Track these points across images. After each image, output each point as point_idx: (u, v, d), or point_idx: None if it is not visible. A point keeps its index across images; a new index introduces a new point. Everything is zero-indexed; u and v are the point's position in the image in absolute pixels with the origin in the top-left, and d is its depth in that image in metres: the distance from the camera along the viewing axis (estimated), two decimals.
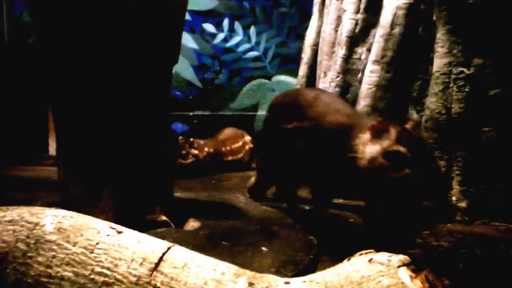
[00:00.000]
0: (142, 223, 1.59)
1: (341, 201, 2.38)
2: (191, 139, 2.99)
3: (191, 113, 3.89)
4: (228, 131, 3.34)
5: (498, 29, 2.02)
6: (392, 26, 2.36)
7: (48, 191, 2.34)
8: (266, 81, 4.05)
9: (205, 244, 1.49)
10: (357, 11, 2.54)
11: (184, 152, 2.93)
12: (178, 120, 3.83)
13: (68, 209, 0.82)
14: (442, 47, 2.13)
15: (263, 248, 1.51)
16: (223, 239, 1.55)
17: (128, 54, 1.54)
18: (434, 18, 2.22)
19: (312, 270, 1.44)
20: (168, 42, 1.67)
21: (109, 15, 1.47)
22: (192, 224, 1.69)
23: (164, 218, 1.59)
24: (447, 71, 2.10)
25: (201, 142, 3.07)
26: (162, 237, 1.55)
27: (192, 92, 3.94)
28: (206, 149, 3.04)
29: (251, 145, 3.30)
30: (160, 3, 1.55)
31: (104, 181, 1.55)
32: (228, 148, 3.19)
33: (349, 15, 2.55)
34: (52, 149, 3.23)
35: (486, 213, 2.02)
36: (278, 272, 1.31)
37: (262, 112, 4.00)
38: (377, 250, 0.88)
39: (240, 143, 3.26)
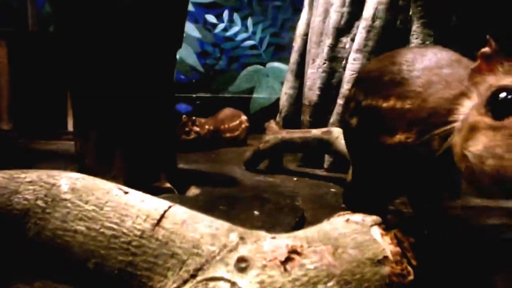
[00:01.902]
0: (149, 189, 1.59)
1: (324, 173, 2.40)
2: (194, 118, 2.98)
3: (194, 95, 3.86)
4: (226, 111, 3.32)
5: (467, 23, 2.01)
6: (374, 19, 2.34)
7: (67, 162, 2.33)
8: (261, 67, 4.02)
9: (204, 207, 1.49)
10: (343, 5, 2.50)
11: (187, 129, 2.92)
12: (183, 101, 3.81)
13: None
14: (416, 38, 2.12)
15: (255, 212, 1.52)
16: (220, 204, 1.56)
17: (137, 39, 1.51)
18: (411, 12, 2.20)
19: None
20: (173, 29, 1.64)
21: (120, 6, 1.44)
22: (193, 191, 1.70)
23: (168, 185, 1.59)
24: None
25: (202, 120, 3.06)
26: (167, 201, 1.57)
27: (195, 76, 3.91)
28: (206, 126, 3.04)
29: (247, 124, 3.29)
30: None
31: (115, 152, 1.54)
32: (226, 126, 3.18)
33: (335, 8, 2.52)
34: (70, 126, 3.22)
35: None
36: (268, 232, 1.32)
37: (257, 95, 3.99)
38: (353, 211, 0.89)
39: (237, 121, 3.25)
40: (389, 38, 2.33)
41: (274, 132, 2.35)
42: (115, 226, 0.68)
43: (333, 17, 2.52)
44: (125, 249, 0.66)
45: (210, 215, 0.81)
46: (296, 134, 2.27)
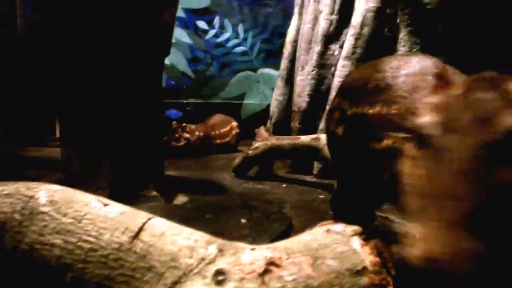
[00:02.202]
0: (136, 198, 1.59)
1: (313, 179, 2.40)
2: (184, 124, 2.98)
3: (185, 101, 3.86)
4: (217, 117, 3.32)
5: (452, 31, 2.03)
6: (362, 26, 2.35)
7: (55, 169, 2.32)
8: (252, 73, 4.03)
9: (191, 216, 1.49)
10: (332, 13, 2.52)
11: (177, 135, 2.92)
12: (173, 107, 3.80)
13: (68, 186, 0.81)
14: (404, 46, 2.14)
15: (243, 220, 1.52)
16: (207, 212, 1.56)
17: (125, 47, 1.51)
18: (398, 21, 2.22)
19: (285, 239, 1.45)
20: (160, 37, 1.64)
21: (107, 14, 1.44)
22: (181, 199, 1.69)
23: (155, 193, 1.59)
24: None
25: (193, 126, 3.06)
26: (153, 210, 1.55)
27: (186, 82, 3.91)
28: (197, 133, 3.03)
29: (237, 130, 3.29)
30: (152, 3, 1.52)
31: (102, 160, 1.53)
32: (216, 132, 3.18)
33: (324, 16, 2.53)
34: (59, 132, 3.20)
35: None
36: (254, 241, 1.31)
37: (248, 101, 3.99)
38: (337, 221, 0.89)
39: (228, 128, 3.25)
40: (377, 45, 2.35)
41: (264, 139, 2.36)
42: (93, 239, 0.67)
43: (322, 25, 2.53)
44: (103, 263, 0.66)
45: (197, 224, 0.81)
46: (285, 140, 2.27)
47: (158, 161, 1.73)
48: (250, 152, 2.35)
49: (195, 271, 0.64)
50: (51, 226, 0.69)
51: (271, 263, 0.67)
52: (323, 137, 2.14)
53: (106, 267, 0.65)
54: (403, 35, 2.14)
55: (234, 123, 3.32)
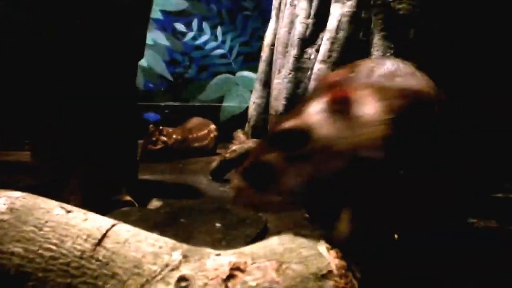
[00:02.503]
0: (109, 203, 1.56)
1: None
2: (161, 127, 2.95)
3: (162, 104, 3.83)
4: (195, 120, 3.30)
5: (423, 36, 2.08)
6: (337, 30, 2.39)
7: (28, 174, 2.27)
8: (231, 76, 4.03)
9: (164, 221, 1.48)
10: (308, 17, 2.55)
11: (154, 138, 2.89)
12: (151, 109, 3.77)
13: (40, 191, 0.79)
14: (377, 50, 2.18)
15: (217, 224, 1.51)
16: (181, 216, 1.54)
17: (98, 50, 1.49)
18: (372, 25, 2.26)
19: None
20: (133, 40, 1.63)
21: (80, 17, 1.42)
22: (155, 204, 1.67)
23: (128, 198, 1.57)
24: None
25: (170, 130, 3.03)
26: (127, 215, 1.54)
27: (163, 85, 3.88)
28: (174, 136, 3.01)
29: (215, 133, 3.28)
30: (125, 7, 1.51)
31: (73, 165, 1.51)
32: (194, 135, 3.16)
33: (300, 20, 2.56)
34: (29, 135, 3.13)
35: None
36: (228, 245, 1.31)
37: (227, 103, 3.99)
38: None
39: (206, 131, 3.24)
40: (352, 49, 2.39)
41: (241, 142, 2.36)
42: (54, 247, 0.66)
43: (298, 28, 2.56)
44: (64, 271, 0.65)
45: (170, 229, 0.81)
46: None
47: (132, 165, 1.72)
48: (227, 155, 2.34)
49: (158, 277, 0.64)
50: (11, 234, 0.67)
51: (236, 268, 0.68)
52: None
53: (67, 275, 0.64)
54: (377, 39, 2.18)
55: (212, 126, 3.31)
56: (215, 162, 2.41)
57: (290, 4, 2.61)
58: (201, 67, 3.98)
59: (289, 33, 2.61)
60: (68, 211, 0.73)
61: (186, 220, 1.51)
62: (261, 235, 1.53)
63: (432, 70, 2.07)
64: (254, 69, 3.96)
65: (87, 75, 1.49)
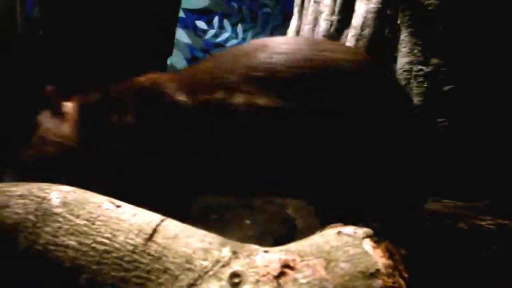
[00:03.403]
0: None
1: None
2: None
3: None
4: None
5: (453, 33, 2.04)
6: (363, 27, 2.36)
7: None
8: None
9: (196, 216, 1.48)
10: (332, 13, 2.52)
11: None
12: None
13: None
14: (404, 47, 2.14)
15: (247, 221, 1.52)
16: (211, 212, 1.55)
17: (127, 47, 1.51)
18: (399, 21, 2.22)
19: (288, 241, 1.46)
20: (163, 37, 1.64)
21: (111, 13, 1.44)
22: None
23: None
24: (409, 68, 2.11)
25: None
26: None
27: None
28: None
29: None
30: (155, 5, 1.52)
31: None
32: None
33: (325, 17, 2.53)
34: None
35: (437, 192, 2.06)
36: (258, 242, 1.31)
37: None
38: (345, 223, 0.89)
39: None
40: (378, 46, 2.36)
41: None
42: (107, 241, 0.67)
43: (323, 25, 2.53)
44: (118, 265, 0.65)
45: (202, 224, 0.81)
46: None
47: None
48: None
49: (210, 273, 0.64)
50: (65, 227, 0.69)
51: (286, 266, 0.68)
52: None
53: (121, 269, 0.65)
54: (404, 36, 2.14)
55: None
56: None
57: (314, 1, 2.58)
58: None
59: (313, 30, 2.59)
60: (117, 206, 0.74)
61: (216, 216, 1.52)
62: (290, 233, 1.53)
63: (462, 68, 2.03)
64: None
65: (119, 71, 1.50)
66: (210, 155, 1.02)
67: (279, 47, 1.03)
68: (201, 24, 3.87)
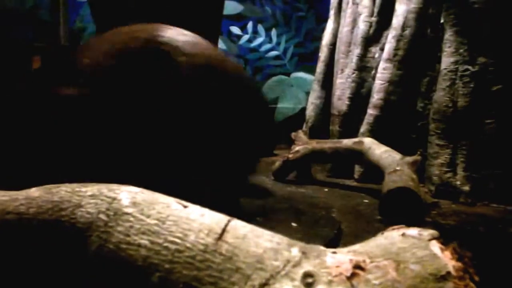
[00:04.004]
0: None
1: (355, 183, 2.37)
2: None
3: None
4: None
5: (500, 31, 1.97)
6: (403, 28, 2.32)
7: None
8: (286, 77, 4.02)
9: (241, 219, 1.49)
10: (371, 15, 2.50)
11: None
12: None
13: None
14: (449, 47, 2.09)
15: (293, 224, 1.51)
16: (257, 215, 1.56)
17: None
18: (442, 21, 2.17)
19: (337, 244, 1.44)
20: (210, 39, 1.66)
21: (164, 13, 1.47)
22: None
23: None
24: (454, 68, 2.06)
25: None
26: None
27: None
28: None
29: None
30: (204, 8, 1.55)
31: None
32: None
33: (364, 18, 2.51)
34: None
35: (487, 196, 2.00)
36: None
37: (282, 105, 3.99)
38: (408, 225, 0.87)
39: None
40: (419, 47, 2.31)
41: (304, 143, 2.35)
42: (178, 241, 0.68)
43: (362, 27, 2.51)
44: (190, 264, 0.66)
45: None
46: (327, 144, 2.26)
47: None
48: (290, 156, 2.34)
49: (282, 273, 0.64)
50: (136, 227, 0.70)
51: (357, 266, 0.67)
52: (366, 140, 2.12)
53: (193, 268, 0.66)
54: (448, 35, 2.09)
55: None
56: (277, 162, 2.41)
57: (353, 3, 2.56)
58: (256, 69, 4.00)
59: (352, 32, 2.57)
60: (185, 206, 0.75)
61: (262, 219, 1.52)
62: (337, 236, 1.52)
63: (510, 67, 1.96)
64: (309, 70, 3.95)
65: None
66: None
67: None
68: (235, 29, 3.91)
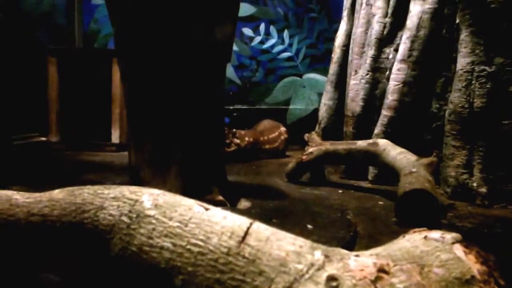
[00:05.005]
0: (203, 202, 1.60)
1: (369, 185, 2.35)
2: (234, 130, 3.00)
3: (231, 107, 3.89)
4: (265, 123, 3.33)
5: None
6: (418, 28, 2.30)
7: (114, 173, 2.39)
8: (298, 78, 4.02)
9: (258, 221, 1.49)
10: (385, 15, 2.48)
11: (228, 141, 2.94)
12: None
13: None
14: (465, 47, 2.06)
15: (309, 226, 1.50)
16: (273, 217, 1.55)
17: (191, 54, 1.54)
18: (458, 21, 2.14)
19: (353, 246, 1.43)
20: (223, 44, 1.67)
21: (177, 20, 1.48)
22: (244, 204, 1.70)
23: (220, 198, 1.60)
24: (470, 69, 2.03)
25: (242, 132, 3.07)
26: None
27: (232, 89, 3.95)
28: (246, 138, 3.04)
29: (286, 135, 3.28)
30: (218, 14, 1.55)
31: (169, 165, 1.56)
32: (265, 137, 3.18)
33: (377, 19, 2.49)
34: (114, 138, 3.30)
35: (504, 198, 1.96)
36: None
37: (294, 106, 3.98)
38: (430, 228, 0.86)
39: (277, 133, 3.25)
40: (434, 47, 2.29)
41: (317, 144, 2.33)
42: (201, 243, 0.68)
43: (376, 28, 2.49)
44: (212, 266, 0.66)
45: None
46: (341, 146, 2.24)
47: (221, 166, 1.75)
48: (304, 157, 2.33)
49: (306, 276, 0.64)
50: (159, 229, 0.70)
51: (381, 270, 0.66)
52: (380, 142, 2.10)
53: (216, 271, 0.65)
54: (464, 35, 2.06)
55: (283, 129, 3.31)
56: (291, 164, 2.40)
57: (367, 4, 2.55)
58: (268, 70, 4.00)
59: (366, 33, 2.55)
60: (206, 209, 0.75)
61: (278, 221, 1.51)
62: (353, 238, 1.50)
63: None
64: (321, 71, 3.93)
65: (182, 77, 1.54)
66: None
67: None
68: (247, 31, 3.92)
